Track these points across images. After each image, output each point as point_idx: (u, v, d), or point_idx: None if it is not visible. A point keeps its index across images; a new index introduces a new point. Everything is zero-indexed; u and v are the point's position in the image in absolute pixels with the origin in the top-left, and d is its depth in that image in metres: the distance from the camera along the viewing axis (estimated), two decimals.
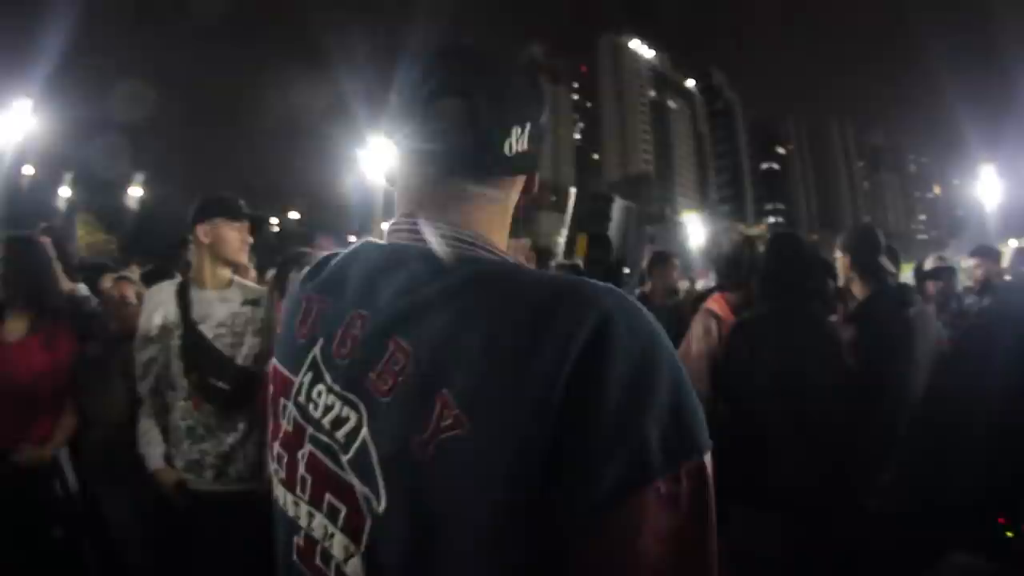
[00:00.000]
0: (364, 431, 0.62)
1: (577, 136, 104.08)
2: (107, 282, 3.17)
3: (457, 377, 0.56)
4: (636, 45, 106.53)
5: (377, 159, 15.24)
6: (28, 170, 20.15)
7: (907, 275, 5.13)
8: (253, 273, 2.68)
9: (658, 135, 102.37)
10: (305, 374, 0.70)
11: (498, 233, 0.73)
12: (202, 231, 2.19)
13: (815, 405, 2.24)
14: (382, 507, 0.59)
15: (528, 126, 0.69)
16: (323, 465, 0.66)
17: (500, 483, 0.54)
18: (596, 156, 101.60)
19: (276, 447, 0.73)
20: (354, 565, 0.61)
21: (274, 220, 31.82)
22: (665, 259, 4.10)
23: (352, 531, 0.62)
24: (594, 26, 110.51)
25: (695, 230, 26.47)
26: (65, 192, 22.33)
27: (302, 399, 0.70)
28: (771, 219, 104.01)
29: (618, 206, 1.98)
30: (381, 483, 0.59)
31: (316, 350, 0.69)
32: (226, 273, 2.28)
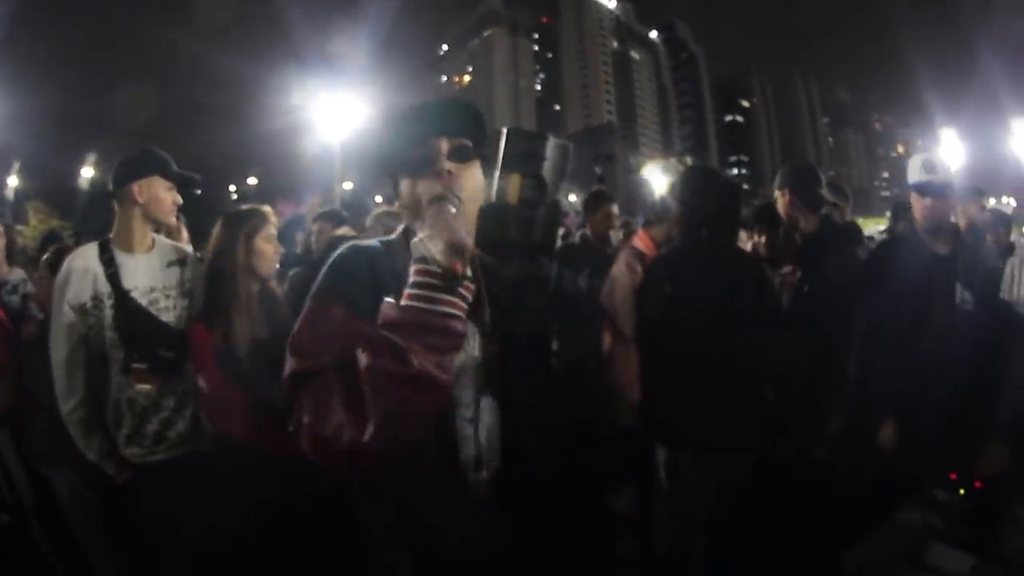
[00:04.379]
0: None
1: (538, 88, 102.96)
2: None
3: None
4: None
5: (332, 119, 14.82)
6: None
7: (872, 228, 5.39)
8: (185, 234, 2.57)
9: (621, 86, 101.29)
10: None
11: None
12: (137, 189, 2.09)
13: (741, 337, 2.15)
14: None
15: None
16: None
17: None
18: (558, 107, 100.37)
19: None
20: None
21: (232, 188, 31.09)
22: (595, 203, 3.68)
23: None
24: None
25: (658, 179, 26.74)
26: (13, 181, 22.00)
27: None
28: (735, 171, 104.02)
29: (552, 145, 1.87)
30: None
31: None
32: (149, 234, 2.18)
